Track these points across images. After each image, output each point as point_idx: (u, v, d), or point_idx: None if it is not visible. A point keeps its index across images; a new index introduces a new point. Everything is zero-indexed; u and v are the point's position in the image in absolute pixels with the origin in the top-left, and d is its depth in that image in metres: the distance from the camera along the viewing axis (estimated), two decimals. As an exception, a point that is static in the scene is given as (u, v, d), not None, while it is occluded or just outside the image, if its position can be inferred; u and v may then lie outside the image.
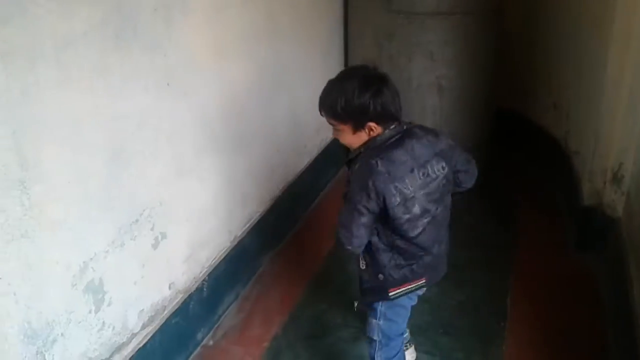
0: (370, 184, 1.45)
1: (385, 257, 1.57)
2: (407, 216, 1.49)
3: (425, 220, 1.52)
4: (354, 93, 1.46)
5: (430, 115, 3.02)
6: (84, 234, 1.57)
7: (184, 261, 2.05)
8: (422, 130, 1.55)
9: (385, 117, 1.50)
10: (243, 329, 2.26)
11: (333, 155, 3.29)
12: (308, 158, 3.04)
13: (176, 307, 2.00)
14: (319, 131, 3.07)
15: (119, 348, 1.75)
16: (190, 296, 2.07)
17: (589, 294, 2.40)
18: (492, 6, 2.93)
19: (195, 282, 2.11)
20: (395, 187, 1.45)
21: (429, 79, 2.95)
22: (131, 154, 1.70)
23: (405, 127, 1.54)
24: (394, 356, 1.75)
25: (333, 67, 3.24)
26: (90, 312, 1.62)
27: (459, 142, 3.07)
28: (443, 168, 1.53)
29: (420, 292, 1.70)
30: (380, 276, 1.60)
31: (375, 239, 1.56)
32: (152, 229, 1.84)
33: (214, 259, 2.24)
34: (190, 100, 1.96)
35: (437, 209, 1.54)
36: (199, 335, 2.16)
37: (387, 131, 1.51)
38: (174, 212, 1.95)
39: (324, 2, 3.10)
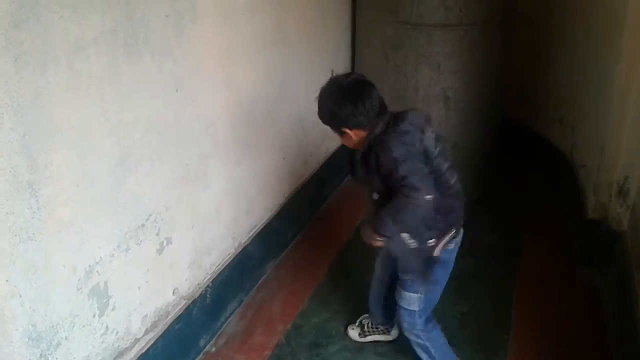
0: (407, 142, 1.61)
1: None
2: (446, 164, 1.69)
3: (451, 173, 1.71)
4: (335, 104, 1.69)
5: (436, 126, 3.00)
6: (91, 237, 1.57)
7: (188, 267, 2.05)
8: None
9: (373, 116, 1.67)
10: (245, 337, 2.25)
11: (338, 164, 3.29)
12: (314, 166, 3.04)
13: (179, 313, 2.00)
14: (324, 140, 3.08)
15: (121, 353, 1.75)
16: (193, 302, 2.07)
17: (594, 308, 2.39)
18: (500, 19, 2.94)
19: (199, 288, 2.12)
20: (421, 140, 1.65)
21: (436, 89, 2.96)
22: (138, 159, 1.71)
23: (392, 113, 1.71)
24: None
25: (340, 77, 3.25)
26: (94, 316, 1.62)
27: (464, 152, 3.08)
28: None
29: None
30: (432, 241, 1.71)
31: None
32: (157, 234, 1.85)
33: (218, 265, 2.24)
34: (197, 107, 1.97)
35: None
36: (202, 342, 2.16)
37: (380, 123, 1.67)
38: (179, 217, 1.95)
39: (332, 11, 3.12)
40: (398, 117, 1.68)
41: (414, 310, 1.84)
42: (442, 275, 1.83)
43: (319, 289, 2.52)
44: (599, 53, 2.65)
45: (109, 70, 1.55)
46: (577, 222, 2.78)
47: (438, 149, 1.69)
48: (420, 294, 1.82)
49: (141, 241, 1.77)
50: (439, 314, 2.31)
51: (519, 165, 3.58)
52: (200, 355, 2.15)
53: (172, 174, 1.89)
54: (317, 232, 2.95)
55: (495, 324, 2.30)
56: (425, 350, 1.92)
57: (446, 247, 1.75)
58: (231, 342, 2.23)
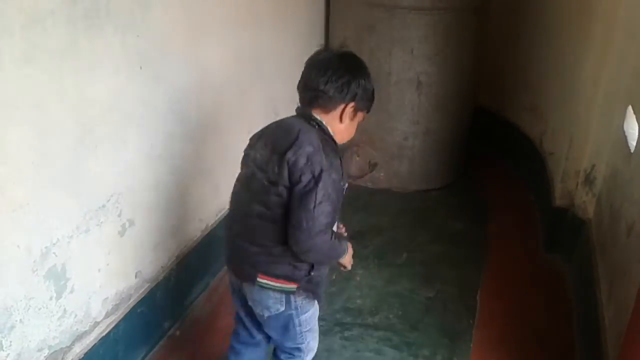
0: None
1: None
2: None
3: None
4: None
5: (409, 111, 3.01)
6: (47, 218, 1.52)
7: (152, 249, 2.00)
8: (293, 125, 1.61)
9: None
10: (212, 320, 2.23)
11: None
12: (284, 149, 3.00)
13: (142, 296, 1.96)
14: (296, 122, 3.04)
15: (80, 336, 1.71)
16: (157, 285, 2.03)
17: (558, 294, 2.42)
18: (474, 4, 2.92)
19: (163, 271, 2.07)
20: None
21: (409, 74, 2.94)
22: (99, 137, 1.65)
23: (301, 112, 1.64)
24: None
25: (313, 59, 3.20)
26: (51, 298, 1.57)
27: (436, 138, 3.02)
28: (274, 171, 1.51)
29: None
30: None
31: None
32: (119, 215, 1.80)
33: (184, 247, 2.20)
34: (163, 85, 1.92)
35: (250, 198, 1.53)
36: (166, 325, 2.13)
37: None
38: (143, 198, 1.90)
39: (306, -7, 3.07)
40: None
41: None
42: None
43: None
44: (572, 41, 2.65)
45: (67, 44, 1.49)
46: (544, 209, 2.81)
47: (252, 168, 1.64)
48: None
49: (102, 222, 1.72)
50: (405, 299, 2.33)
51: (490, 151, 3.60)
52: (165, 338, 2.11)
53: (135, 154, 1.83)
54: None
55: (460, 309, 2.31)
56: None
57: None
58: (197, 325, 2.20)
